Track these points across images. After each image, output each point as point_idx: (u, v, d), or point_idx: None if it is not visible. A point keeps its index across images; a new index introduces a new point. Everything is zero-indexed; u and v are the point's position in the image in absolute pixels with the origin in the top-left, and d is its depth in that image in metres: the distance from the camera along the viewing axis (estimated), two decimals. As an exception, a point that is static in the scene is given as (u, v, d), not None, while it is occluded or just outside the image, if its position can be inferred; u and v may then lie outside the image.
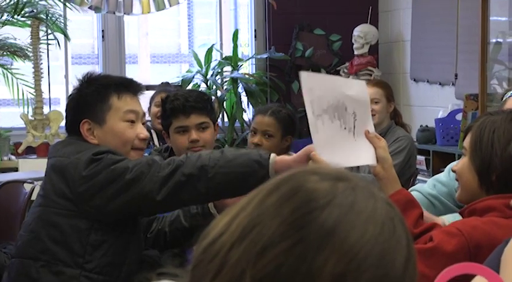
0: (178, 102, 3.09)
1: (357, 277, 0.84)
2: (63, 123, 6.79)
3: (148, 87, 5.96)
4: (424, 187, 2.86)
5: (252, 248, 0.86)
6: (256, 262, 0.85)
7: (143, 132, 2.60)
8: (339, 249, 0.84)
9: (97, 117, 2.57)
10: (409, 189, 2.66)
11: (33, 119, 6.10)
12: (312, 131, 2.20)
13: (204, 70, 6.83)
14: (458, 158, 2.65)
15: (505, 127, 2.14)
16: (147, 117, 5.34)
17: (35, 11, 6.11)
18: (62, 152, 2.55)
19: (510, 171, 2.12)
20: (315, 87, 2.21)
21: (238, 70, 6.90)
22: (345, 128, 2.26)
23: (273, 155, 2.34)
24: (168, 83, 6.05)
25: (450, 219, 2.49)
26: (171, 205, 2.44)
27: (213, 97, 6.55)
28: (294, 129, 3.74)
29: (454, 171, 2.31)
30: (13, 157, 6.14)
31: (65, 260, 2.46)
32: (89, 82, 2.62)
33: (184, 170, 2.34)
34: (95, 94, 2.59)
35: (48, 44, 6.25)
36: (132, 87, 2.64)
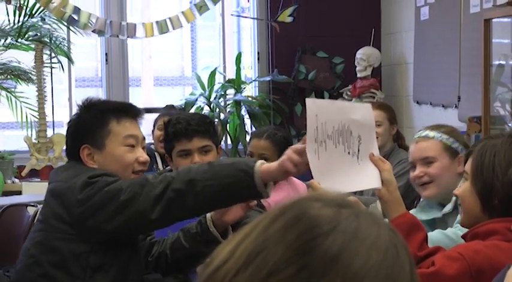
0: (180, 126, 3.09)
1: None
2: (66, 146, 6.79)
3: (152, 110, 5.99)
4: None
5: (257, 274, 0.86)
6: None
7: (143, 156, 2.62)
8: (343, 275, 0.85)
9: (96, 142, 2.59)
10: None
11: (36, 142, 6.10)
12: (310, 158, 2.19)
13: (207, 93, 6.84)
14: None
15: (506, 150, 2.13)
16: (150, 140, 5.36)
17: (38, 34, 6.14)
18: (60, 176, 2.57)
19: None
20: (321, 114, 2.22)
21: (241, 93, 6.91)
22: (349, 153, 2.27)
23: (259, 163, 2.32)
24: (173, 106, 6.06)
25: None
26: (166, 222, 2.44)
27: (216, 120, 6.56)
28: (290, 152, 3.73)
29: (456, 195, 2.31)
30: (17, 180, 6.14)
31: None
32: (88, 107, 2.65)
33: (174, 186, 2.33)
34: (94, 119, 2.61)
35: (51, 67, 6.27)
36: (131, 112, 2.66)
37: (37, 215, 3.68)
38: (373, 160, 2.28)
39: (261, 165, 2.31)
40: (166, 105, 6.02)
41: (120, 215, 2.38)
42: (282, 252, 0.86)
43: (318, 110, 2.22)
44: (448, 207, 2.94)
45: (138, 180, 2.42)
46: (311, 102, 2.23)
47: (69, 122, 2.73)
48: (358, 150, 2.28)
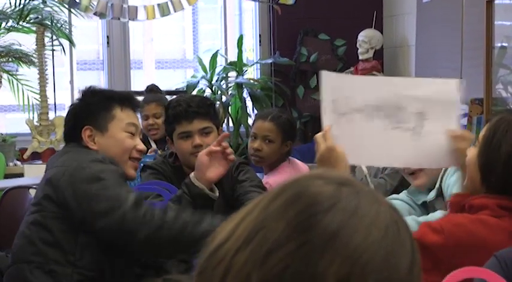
0: (180, 108, 3.10)
1: (361, 280, 0.85)
2: (68, 128, 6.76)
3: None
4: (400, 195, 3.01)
5: (257, 251, 0.86)
6: (262, 265, 0.85)
7: (141, 145, 2.73)
8: (342, 252, 0.85)
9: (99, 125, 2.67)
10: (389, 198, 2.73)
11: (38, 124, 6.11)
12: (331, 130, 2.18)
13: (209, 75, 6.84)
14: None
15: None
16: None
17: (40, 17, 6.13)
18: (56, 163, 2.63)
19: (509, 178, 2.11)
20: (341, 87, 2.21)
21: (243, 75, 6.90)
22: (397, 128, 2.25)
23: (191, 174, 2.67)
24: (155, 85, 5.63)
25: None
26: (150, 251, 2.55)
27: (218, 102, 6.55)
28: (294, 134, 3.74)
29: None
30: (18, 163, 6.15)
31: (57, 259, 2.52)
32: (93, 93, 2.74)
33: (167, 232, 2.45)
34: (99, 103, 2.70)
35: (53, 50, 6.27)
36: (133, 103, 2.78)
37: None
38: (452, 136, 2.29)
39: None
40: (147, 86, 5.51)
41: (112, 231, 2.49)
42: (281, 229, 0.86)
43: (336, 82, 2.23)
44: (432, 195, 2.95)
45: (145, 210, 2.47)
46: (326, 75, 2.24)
47: (71, 106, 2.81)
48: (422, 126, 2.27)
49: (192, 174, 2.75)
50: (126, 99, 2.74)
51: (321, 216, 0.87)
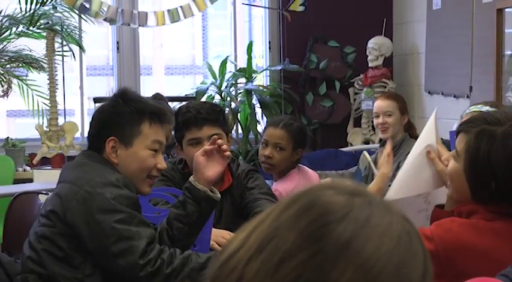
0: (190, 115, 3.09)
1: None
2: (78, 134, 6.83)
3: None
4: None
5: (269, 261, 0.86)
6: (274, 274, 0.85)
7: (162, 164, 2.64)
8: (355, 261, 0.85)
9: (125, 138, 2.59)
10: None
11: (48, 130, 6.12)
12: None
13: (218, 82, 6.84)
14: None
15: (504, 145, 2.09)
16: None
17: (50, 22, 6.14)
18: (70, 176, 2.58)
19: (502, 196, 2.09)
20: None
21: (252, 82, 6.90)
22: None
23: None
24: (160, 94, 5.79)
25: None
26: None
27: (227, 109, 6.55)
28: (305, 142, 3.73)
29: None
30: (28, 168, 6.16)
31: (64, 274, 2.50)
32: (126, 101, 2.63)
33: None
34: (129, 115, 2.60)
35: (63, 56, 6.28)
36: (164, 118, 2.67)
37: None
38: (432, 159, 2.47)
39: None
40: (153, 95, 5.67)
41: (116, 261, 2.50)
42: (293, 239, 0.87)
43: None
44: None
45: (156, 257, 2.49)
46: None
47: (101, 108, 2.70)
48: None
49: (191, 178, 2.68)
50: (157, 115, 2.63)
51: (333, 225, 0.87)
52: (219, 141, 2.71)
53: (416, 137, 4.77)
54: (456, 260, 2.05)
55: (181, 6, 6.20)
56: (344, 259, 0.85)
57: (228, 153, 2.70)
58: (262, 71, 7.13)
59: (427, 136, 2.47)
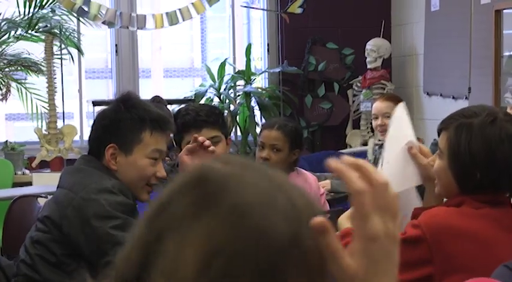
0: (189, 117, 3.09)
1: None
2: (77, 137, 6.81)
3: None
4: None
5: (152, 211, 0.98)
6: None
7: (161, 172, 2.62)
8: (228, 201, 0.93)
9: (125, 145, 2.57)
10: None
11: (47, 133, 6.12)
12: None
13: (217, 84, 6.85)
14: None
15: (482, 135, 2.15)
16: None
17: (48, 25, 6.15)
18: (68, 182, 2.56)
19: (488, 184, 2.15)
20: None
21: (251, 84, 6.91)
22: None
23: None
24: (159, 97, 5.82)
25: None
26: None
27: (226, 111, 6.56)
28: (301, 142, 3.74)
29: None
30: (27, 171, 6.16)
31: (57, 280, 2.49)
32: (128, 108, 2.60)
33: None
34: (131, 123, 2.57)
35: (62, 59, 6.28)
36: (166, 126, 2.64)
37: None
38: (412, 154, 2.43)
39: None
40: (152, 97, 5.71)
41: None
42: (177, 188, 0.96)
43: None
44: None
45: None
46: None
47: (103, 113, 2.67)
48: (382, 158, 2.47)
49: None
50: (158, 123, 2.60)
51: (213, 175, 0.96)
52: (200, 138, 2.69)
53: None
54: (444, 243, 2.08)
55: (179, 9, 6.20)
56: (220, 201, 0.92)
57: (212, 148, 2.67)
58: (261, 73, 7.13)
59: (401, 132, 2.48)
